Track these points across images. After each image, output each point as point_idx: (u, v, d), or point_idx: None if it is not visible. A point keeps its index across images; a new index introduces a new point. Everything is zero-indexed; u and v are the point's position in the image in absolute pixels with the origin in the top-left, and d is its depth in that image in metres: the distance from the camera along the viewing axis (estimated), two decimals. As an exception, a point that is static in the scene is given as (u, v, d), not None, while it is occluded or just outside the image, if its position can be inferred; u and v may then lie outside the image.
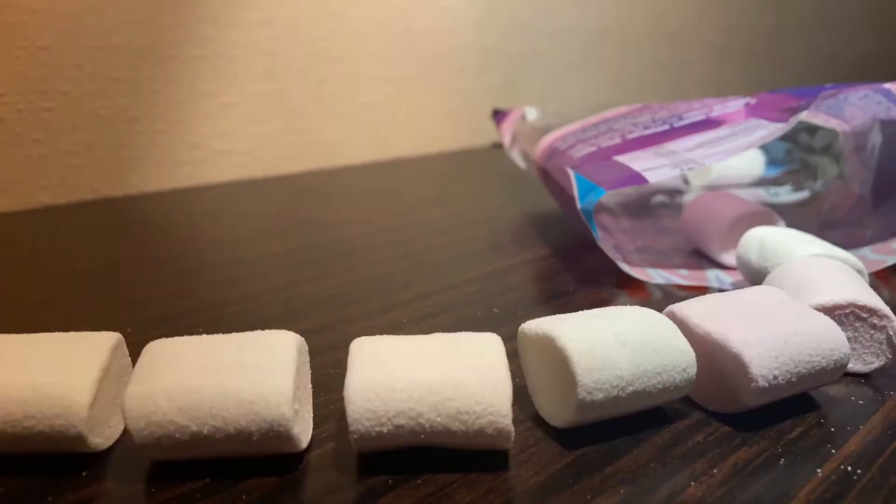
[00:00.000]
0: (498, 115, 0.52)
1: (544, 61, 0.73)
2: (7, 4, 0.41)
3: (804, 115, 0.33)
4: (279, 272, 0.32)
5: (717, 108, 0.32)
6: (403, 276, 0.31)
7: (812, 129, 0.40)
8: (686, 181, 0.47)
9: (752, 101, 0.32)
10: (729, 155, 0.28)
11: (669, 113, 0.33)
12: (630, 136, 0.32)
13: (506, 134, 0.48)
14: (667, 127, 0.31)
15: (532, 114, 0.49)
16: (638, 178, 0.28)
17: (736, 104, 0.32)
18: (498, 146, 0.68)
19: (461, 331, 0.25)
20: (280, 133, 0.54)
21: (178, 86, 0.48)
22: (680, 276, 0.30)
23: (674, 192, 0.45)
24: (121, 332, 0.25)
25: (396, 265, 0.33)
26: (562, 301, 0.28)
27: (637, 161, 0.29)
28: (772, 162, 0.45)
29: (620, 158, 0.30)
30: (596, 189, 0.28)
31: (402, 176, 0.53)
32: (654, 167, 0.28)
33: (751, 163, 0.44)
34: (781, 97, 0.30)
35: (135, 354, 0.24)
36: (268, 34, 0.52)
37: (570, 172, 0.31)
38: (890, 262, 0.30)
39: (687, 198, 0.43)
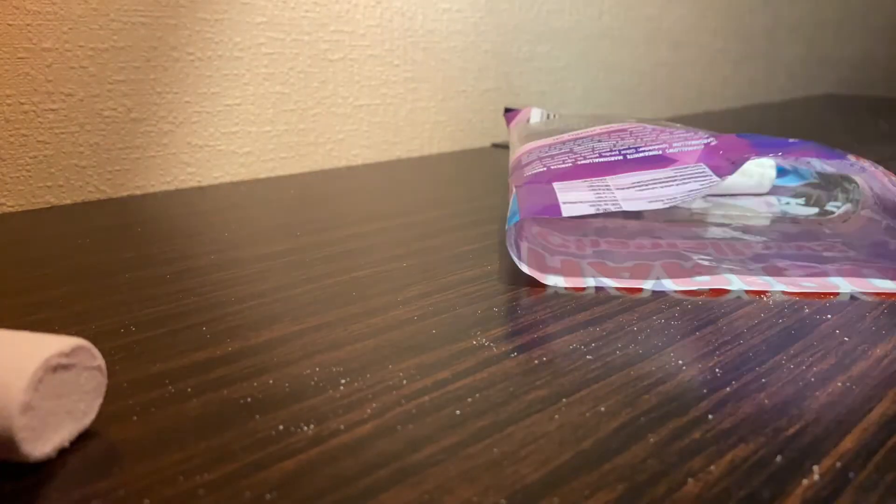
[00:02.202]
0: (508, 114, 0.52)
1: (544, 63, 0.73)
2: (11, 6, 0.41)
3: (817, 164, 0.32)
4: (281, 271, 0.32)
5: (677, 146, 0.32)
6: (405, 276, 0.31)
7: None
8: None
9: (714, 141, 0.32)
10: (649, 204, 0.28)
11: (634, 141, 0.34)
12: (581, 163, 0.33)
13: (512, 133, 0.48)
14: (620, 158, 0.32)
15: (536, 115, 0.50)
16: (555, 210, 0.29)
17: (697, 143, 0.32)
18: (497, 147, 0.68)
19: (460, 328, 0.26)
20: (282, 134, 0.54)
21: (181, 87, 0.49)
22: (618, 280, 0.30)
23: None
24: (124, 331, 0.25)
25: (398, 264, 0.33)
26: (562, 300, 0.29)
27: (567, 191, 0.30)
28: (795, 173, 0.46)
29: (557, 185, 0.31)
30: (515, 216, 0.30)
31: (403, 176, 0.54)
32: (577, 201, 0.29)
33: (760, 179, 0.44)
34: (742, 144, 0.31)
35: (140, 352, 0.24)
36: (270, 36, 0.52)
37: (514, 191, 0.33)
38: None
39: (694, 203, 0.44)
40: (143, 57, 0.47)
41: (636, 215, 0.41)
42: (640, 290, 0.29)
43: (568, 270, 0.31)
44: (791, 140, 0.30)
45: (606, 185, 0.30)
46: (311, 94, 0.55)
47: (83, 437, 0.19)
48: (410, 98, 0.62)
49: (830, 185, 0.43)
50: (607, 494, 0.17)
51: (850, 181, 0.40)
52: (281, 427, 0.19)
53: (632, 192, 0.29)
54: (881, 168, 0.29)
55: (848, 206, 0.39)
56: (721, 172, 0.30)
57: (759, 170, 0.44)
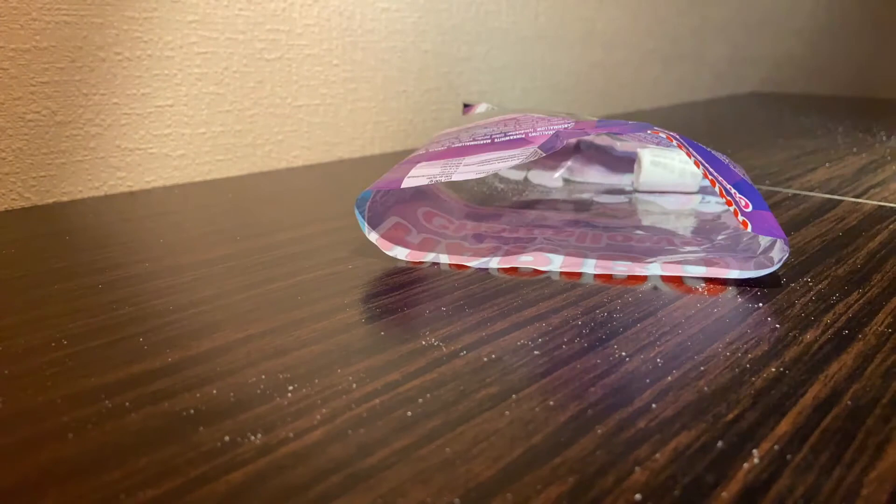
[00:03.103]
0: (466, 108, 0.53)
1: (483, 63, 0.74)
2: (-81, 4, 0.39)
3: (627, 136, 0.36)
4: (221, 278, 0.31)
5: (540, 130, 0.35)
6: (350, 278, 0.31)
7: None
8: (632, 182, 0.49)
9: (571, 125, 0.35)
10: (476, 175, 0.32)
11: (511, 128, 0.36)
12: (455, 146, 0.35)
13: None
14: (488, 141, 0.35)
15: (482, 108, 0.50)
16: (397, 184, 0.32)
17: (556, 127, 0.35)
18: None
19: (409, 329, 0.25)
20: (218, 136, 0.53)
21: (109, 88, 0.47)
22: (454, 258, 0.33)
23: (619, 192, 0.47)
24: (55, 345, 0.24)
25: (343, 267, 0.32)
26: (508, 297, 0.29)
27: (423, 168, 0.34)
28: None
29: (421, 164, 0.34)
30: (369, 190, 0.33)
31: (345, 177, 0.53)
32: (420, 176, 0.33)
33: (681, 175, 0.46)
34: (590, 126, 0.35)
35: (73, 367, 0.23)
36: (203, 35, 0.51)
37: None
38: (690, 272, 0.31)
39: (615, 198, 0.46)
40: (67, 57, 0.44)
41: (551, 207, 0.43)
42: (467, 267, 0.33)
43: (420, 246, 0.35)
44: (630, 122, 0.34)
45: (458, 164, 0.33)
46: (248, 94, 0.54)
47: (18, 459, 0.18)
48: (350, 98, 0.61)
49: None
50: (559, 488, 0.17)
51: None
52: (227, 438, 0.19)
53: (472, 167, 0.33)
54: (674, 136, 0.33)
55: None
56: (548, 147, 0.33)
57: (682, 165, 0.46)
